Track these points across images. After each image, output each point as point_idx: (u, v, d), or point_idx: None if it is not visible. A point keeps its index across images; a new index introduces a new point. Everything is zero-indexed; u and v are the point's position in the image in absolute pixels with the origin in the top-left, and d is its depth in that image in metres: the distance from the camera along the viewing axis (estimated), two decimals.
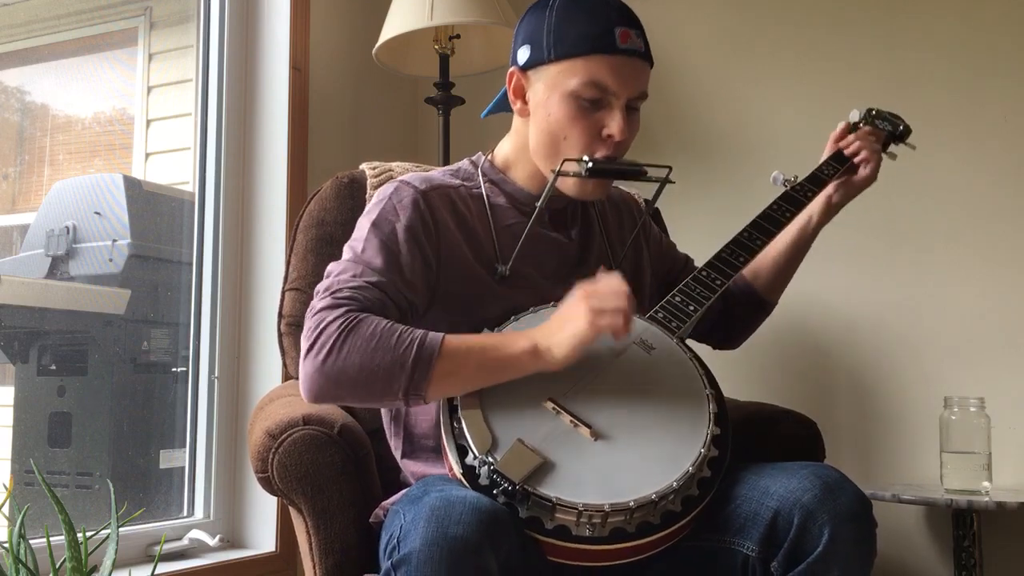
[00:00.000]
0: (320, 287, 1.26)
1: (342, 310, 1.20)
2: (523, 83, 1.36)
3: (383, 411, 1.44)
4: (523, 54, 1.34)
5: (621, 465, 1.14)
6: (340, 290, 1.23)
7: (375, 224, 1.31)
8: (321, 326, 1.19)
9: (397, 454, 1.41)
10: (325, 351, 1.17)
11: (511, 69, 1.37)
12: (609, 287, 1.21)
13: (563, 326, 1.19)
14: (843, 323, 2.22)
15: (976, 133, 2.12)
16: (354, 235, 1.34)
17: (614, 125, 1.30)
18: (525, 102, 1.36)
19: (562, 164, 1.32)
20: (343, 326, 1.18)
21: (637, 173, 1.34)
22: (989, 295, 2.08)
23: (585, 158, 1.31)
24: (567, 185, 1.35)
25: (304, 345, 1.20)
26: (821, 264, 2.17)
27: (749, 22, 2.38)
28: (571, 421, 1.18)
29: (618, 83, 1.29)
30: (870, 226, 2.19)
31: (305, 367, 1.19)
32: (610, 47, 1.28)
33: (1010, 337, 2.05)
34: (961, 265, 2.11)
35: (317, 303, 1.23)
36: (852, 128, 1.63)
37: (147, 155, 2.34)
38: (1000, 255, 2.08)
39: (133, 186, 2.22)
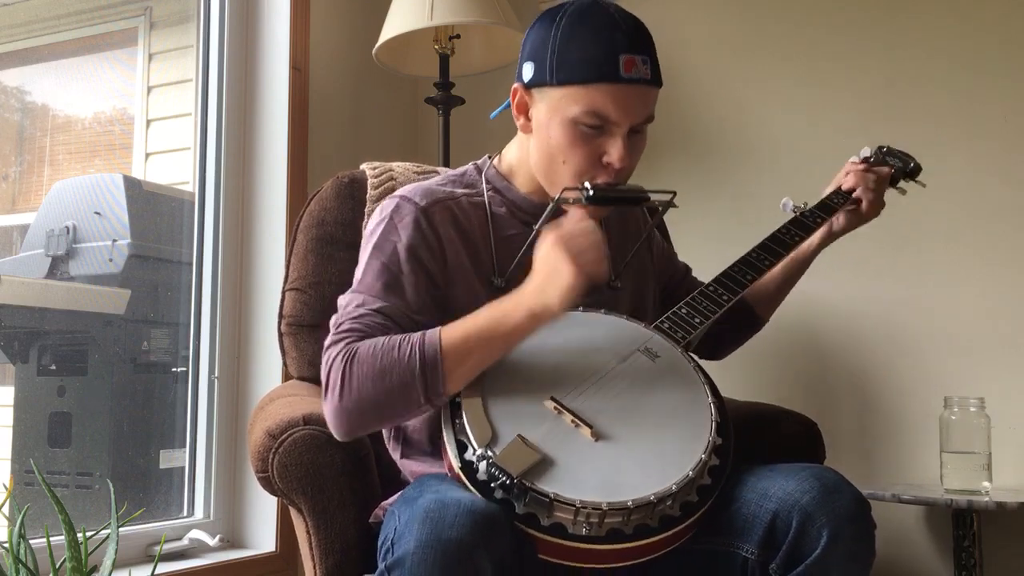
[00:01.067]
0: (331, 322, 1.28)
1: (342, 344, 1.22)
2: (526, 100, 1.34)
3: None
4: (527, 71, 1.33)
5: (621, 466, 1.14)
6: (342, 323, 1.26)
7: (376, 247, 1.32)
8: (328, 365, 1.21)
9: (395, 455, 1.41)
10: (337, 389, 1.19)
11: (515, 85, 1.35)
12: (579, 228, 1.20)
13: (550, 279, 1.18)
14: (843, 323, 2.22)
15: (976, 133, 2.12)
16: (360, 260, 1.35)
17: (614, 153, 1.28)
18: (528, 119, 1.35)
19: (562, 192, 1.31)
20: (344, 359, 1.20)
21: (639, 200, 1.33)
22: (989, 295, 2.08)
23: (586, 185, 1.29)
24: (567, 206, 1.34)
25: (322, 388, 1.22)
26: (821, 264, 2.17)
27: (749, 23, 2.38)
28: (572, 421, 1.17)
29: (620, 113, 1.27)
30: (870, 226, 2.18)
31: (327, 409, 1.22)
32: (613, 76, 1.25)
33: (1010, 337, 2.05)
34: (961, 265, 2.11)
35: (326, 342, 1.25)
36: (862, 163, 1.65)
37: (147, 155, 2.34)
38: (1000, 255, 2.08)
39: (133, 186, 2.22)
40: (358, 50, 2.42)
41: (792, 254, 1.54)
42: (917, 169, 1.68)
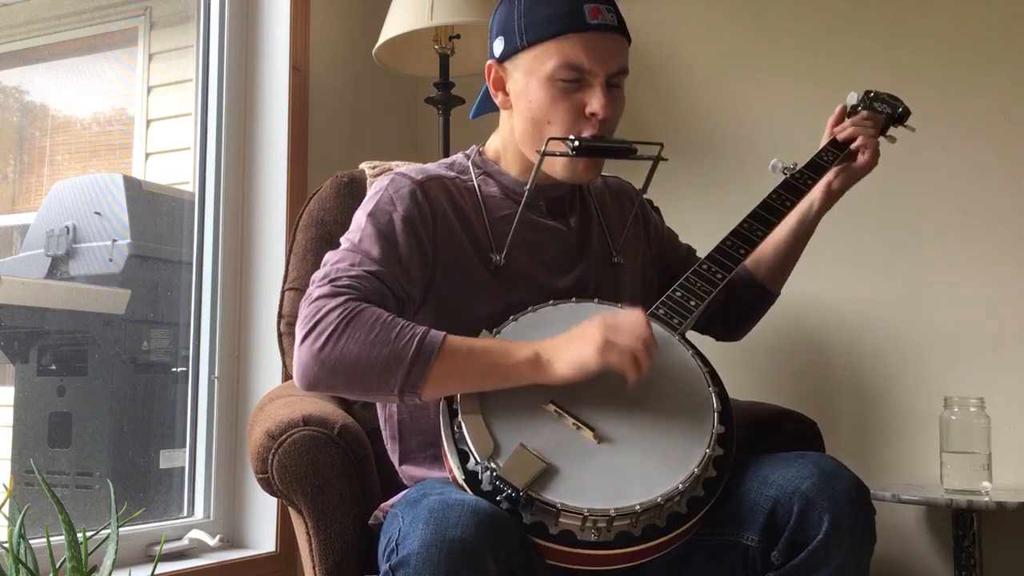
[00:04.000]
0: (316, 276, 1.25)
1: (342, 299, 1.18)
2: (502, 75, 1.36)
3: (379, 414, 1.43)
4: (498, 46, 1.34)
5: (625, 468, 1.14)
6: (339, 278, 1.22)
7: (372, 215, 1.30)
8: (320, 314, 1.17)
9: (395, 458, 1.39)
10: (323, 339, 1.16)
11: (488, 63, 1.36)
12: (630, 324, 1.18)
13: (571, 345, 1.17)
14: (843, 323, 2.22)
15: (976, 133, 2.12)
16: (351, 226, 1.33)
17: (596, 102, 1.29)
18: (506, 93, 1.36)
19: (547, 143, 1.30)
20: (343, 315, 1.16)
21: (626, 151, 1.32)
22: (989, 295, 2.08)
23: (571, 138, 1.29)
24: (556, 168, 1.34)
25: (300, 332, 1.18)
26: (822, 264, 2.18)
27: (747, 20, 2.38)
28: (574, 424, 1.17)
29: (593, 60, 1.28)
30: (870, 226, 2.19)
31: (300, 354, 1.17)
32: (581, 25, 1.28)
33: (1010, 337, 2.05)
34: (961, 265, 2.11)
35: (314, 291, 1.21)
36: (850, 111, 1.61)
37: (147, 155, 2.33)
38: (1000, 254, 2.08)
39: (133, 186, 2.22)
40: (358, 50, 2.42)
41: (796, 223, 1.52)
42: (906, 113, 1.63)
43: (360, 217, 1.32)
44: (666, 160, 1.36)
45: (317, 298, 1.20)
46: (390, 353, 1.15)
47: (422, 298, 1.31)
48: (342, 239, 1.32)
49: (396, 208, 1.31)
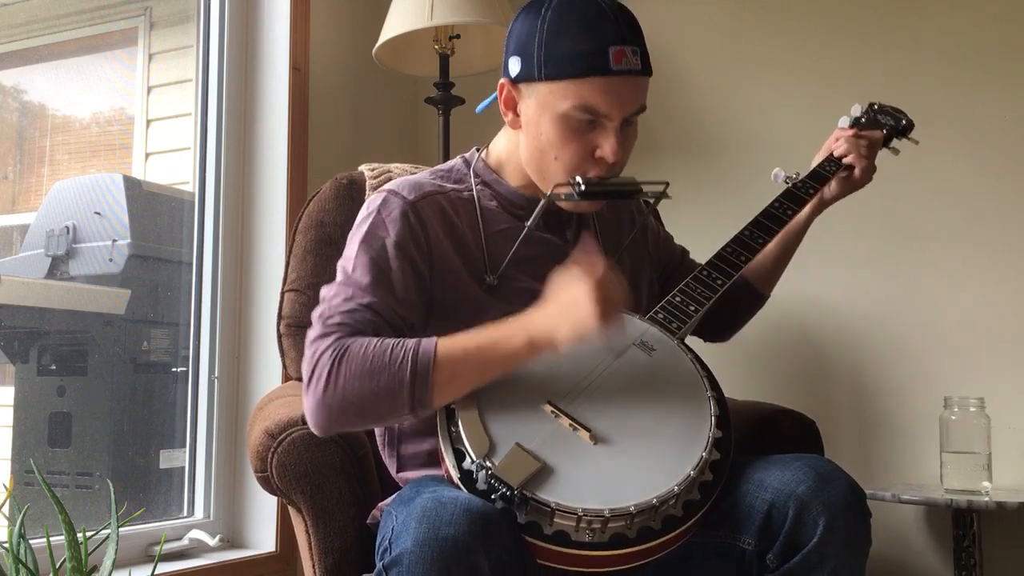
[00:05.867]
0: (314, 314, 1.26)
1: (332, 338, 1.19)
2: (514, 95, 1.32)
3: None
4: (514, 66, 1.30)
5: (621, 470, 1.13)
6: (331, 316, 1.23)
7: (364, 241, 1.29)
8: (315, 358, 1.19)
9: (392, 466, 1.39)
10: (322, 382, 1.17)
11: (502, 80, 1.33)
12: (613, 279, 1.17)
13: (566, 313, 1.16)
14: (843, 323, 2.22)
15: (976, 133, 2.12)
16: (345, 252, 1.32)
17: (607, 147, 1.26)
18: (517, 115, 1.33)
19: (553, 189, 1.29)
20: (334, 354, 1.17)
21: (632, 193, 1.31)
22: (989, 295, 2.08)
23: (578, 179, 1.27)
24: (560, 201, 1.33)
25: (304, 379, 1.20)
26: (821, 264, 2.18)
27: (747, 21, 2.38)
28: (570, 424, 1.17)
29: (610, 106, 1.24)
30: (870, 226, 2.19)
31: (307, 401, 1.19)
32: (603, 69, 1.23)
33: (1010, 337, 2.05)
34: (961, 265, 2.11)
35: (311, 333, 1.23)
36: (853, 123, 1.62)
37: (147, 155, 2.33)
38: (1000, 255, 2.08)
39: (133, 186, 2.22)
40: (358, 50, 2.42)
41: (787, 228, 1.51)
42: (910, 126, 1.64)
43: (353, 243, 1.31)
44: (670, 198, 1.34)
45: (312, 340, 1.21)
46: (389, 378, 1.15)
47: (428, 315, 1.30)
48: (338, 265, 1.32)
49: (388, 233, 1.29)
